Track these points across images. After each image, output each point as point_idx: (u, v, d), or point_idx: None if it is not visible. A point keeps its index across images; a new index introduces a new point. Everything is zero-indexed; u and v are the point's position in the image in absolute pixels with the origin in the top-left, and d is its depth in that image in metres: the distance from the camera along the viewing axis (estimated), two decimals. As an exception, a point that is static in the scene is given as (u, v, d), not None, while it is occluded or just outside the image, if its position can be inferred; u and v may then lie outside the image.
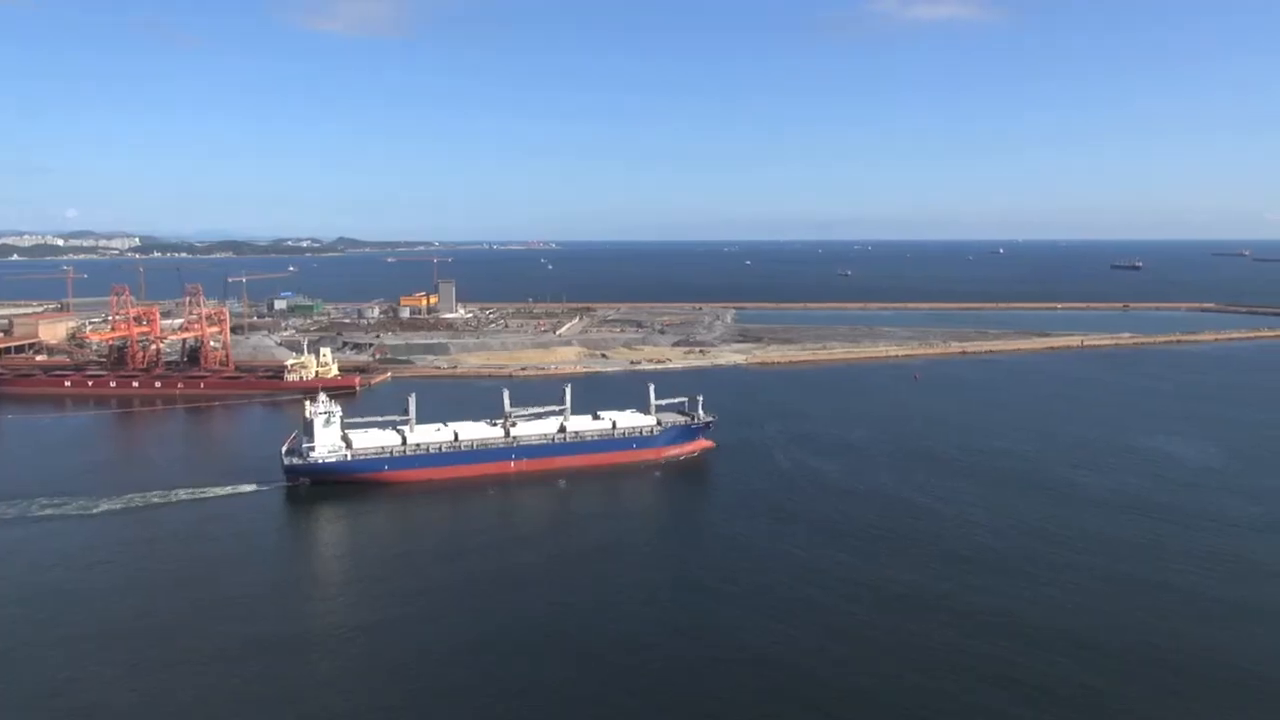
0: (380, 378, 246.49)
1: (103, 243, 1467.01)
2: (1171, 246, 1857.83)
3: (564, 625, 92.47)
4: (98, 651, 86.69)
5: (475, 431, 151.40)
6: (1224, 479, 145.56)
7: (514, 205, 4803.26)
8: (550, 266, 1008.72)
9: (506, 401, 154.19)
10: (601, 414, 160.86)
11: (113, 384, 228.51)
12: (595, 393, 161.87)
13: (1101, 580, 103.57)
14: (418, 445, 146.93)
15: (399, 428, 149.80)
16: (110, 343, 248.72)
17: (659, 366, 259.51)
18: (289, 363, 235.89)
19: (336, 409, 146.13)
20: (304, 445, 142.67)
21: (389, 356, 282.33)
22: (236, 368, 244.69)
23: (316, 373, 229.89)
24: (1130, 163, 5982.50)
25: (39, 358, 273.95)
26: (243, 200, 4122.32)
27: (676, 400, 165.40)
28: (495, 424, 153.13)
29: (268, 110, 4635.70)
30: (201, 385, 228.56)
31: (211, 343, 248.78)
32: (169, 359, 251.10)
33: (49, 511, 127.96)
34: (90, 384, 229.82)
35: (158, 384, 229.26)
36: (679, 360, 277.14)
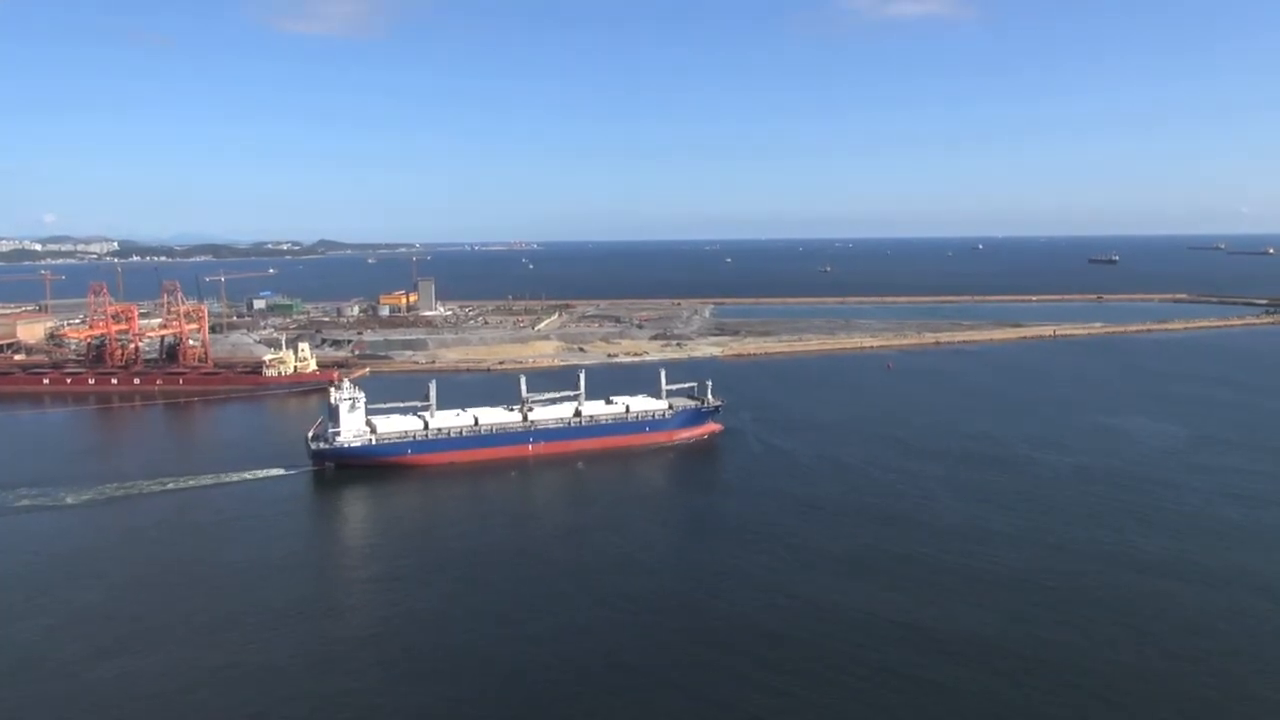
0: (359, 373, 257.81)
1: (81, 247, 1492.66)
2: (1148, 241, 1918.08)
3: (581, 607, 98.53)
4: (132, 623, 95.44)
5: (494, 416, 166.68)
6: (1181, 460, 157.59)
7: (496, 206, 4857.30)
8: (531, 266, 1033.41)
9: (524, 388, 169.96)
10: (615, 399, 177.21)
11: (91, 381, 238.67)
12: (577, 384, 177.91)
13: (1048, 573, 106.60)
14: (439, 430, 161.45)
15: (420, 413, 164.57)
16: (89, 341, 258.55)
17: (635, 360, 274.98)
18: (267, 358, 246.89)
19: (361, 395, 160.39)
20: (329, 431, 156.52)
21: (367, 352, 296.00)
22: (215, 364, 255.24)
23: (295, 368, 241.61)
24: (1108, 159, 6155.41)
25: (17, 357, 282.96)
26: (223, 204, 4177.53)
27: (687, 385, 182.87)
28: (513, 409, 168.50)
29: (246, 113, 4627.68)
30: (180, 381, 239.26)
31: (190, 340, 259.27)
32: (148, 356, 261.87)
33: (83, 497, 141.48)
34: (69, 381, 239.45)
35: (136, 381, 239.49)
36: (655, 353, 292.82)
